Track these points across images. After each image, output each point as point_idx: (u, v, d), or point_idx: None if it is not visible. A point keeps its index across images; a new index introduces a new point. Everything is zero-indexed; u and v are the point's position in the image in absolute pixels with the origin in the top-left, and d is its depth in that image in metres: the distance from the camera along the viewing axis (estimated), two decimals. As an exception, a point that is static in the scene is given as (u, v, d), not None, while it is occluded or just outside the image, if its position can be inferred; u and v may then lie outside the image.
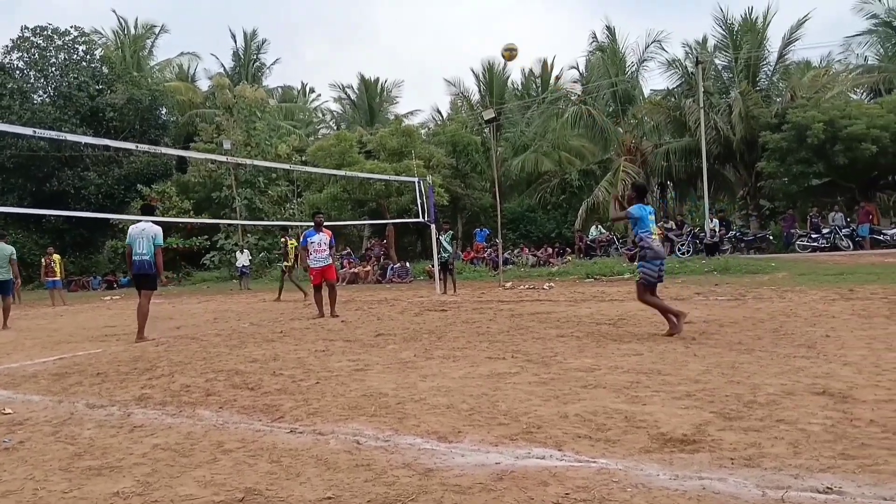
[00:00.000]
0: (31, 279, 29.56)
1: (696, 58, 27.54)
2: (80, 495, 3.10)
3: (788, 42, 28.20)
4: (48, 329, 11.92)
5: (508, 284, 16.97)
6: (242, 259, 24.25)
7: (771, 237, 24.01)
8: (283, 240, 18.17)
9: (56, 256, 20.16)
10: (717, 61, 30.46)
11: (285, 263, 17.13)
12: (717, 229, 22.78)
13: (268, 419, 4.38)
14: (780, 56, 28.93)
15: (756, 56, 28.53)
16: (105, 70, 37.65)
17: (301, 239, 12.12)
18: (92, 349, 8.60)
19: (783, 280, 13.51)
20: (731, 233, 23.47)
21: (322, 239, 11.37)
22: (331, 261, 11.57)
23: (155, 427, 4.31)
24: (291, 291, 16.72)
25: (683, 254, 21.31)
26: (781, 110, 25.62)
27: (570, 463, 3.22)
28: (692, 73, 28.36)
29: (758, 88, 28.31)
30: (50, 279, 19.81)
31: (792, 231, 23.64)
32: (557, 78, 36.73)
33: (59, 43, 36.46)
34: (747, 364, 5.34)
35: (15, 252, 13.16)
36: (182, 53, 44.28)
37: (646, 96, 33.07)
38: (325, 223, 11.88)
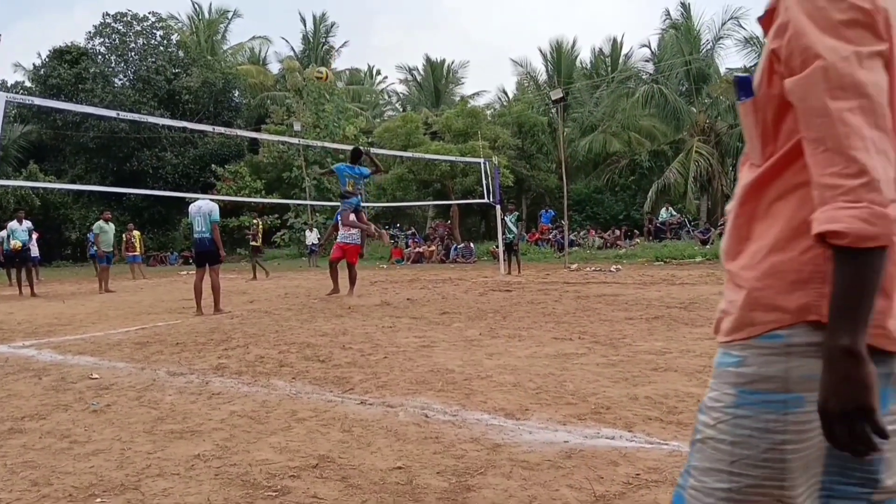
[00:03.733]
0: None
1: (776, 34, 26.28)
2: (164, 456, 3.26)
3: (878, 15, 26.62)
4: (130, 301, 12.51)
5: (574, 266, 16.79)
6: (312, 237, 24.80)
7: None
8: (254, 221, 19.00)
9: (136, 233, 21.08)
10: (798, 37, 29.04)
11: (253, 244, 18.21)
12: (794, 213, 21.86)
13: (339, 390, 4.49)
14: (869, 30, 27.35)
15: (841, 31, 27.05)
16: (181, 54, 38.95)
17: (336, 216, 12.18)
18: (171, 320, 8.99)
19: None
20: (810, 217, 22.49)
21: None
22: (359, 241, 11.47)
23: (232, 395, 4.48)
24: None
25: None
26: (868, 88, 24.30)
27: (640, 444, 3.18)
28: (771, 49, 27.13)
29: (842, 66, 26.87)
30: (130, 254, 20.73)
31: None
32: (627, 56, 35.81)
33: (138, 28, 37.88)
34: (827, 351, 5.13)
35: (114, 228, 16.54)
36: (254, 37, 45.29)
37: (722, 75, 31.87)
38: (391, 203, 11.98)
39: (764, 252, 1.12)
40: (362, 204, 11.28)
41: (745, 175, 1.20)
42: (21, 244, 14.97)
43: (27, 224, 15.51)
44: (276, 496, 2.72)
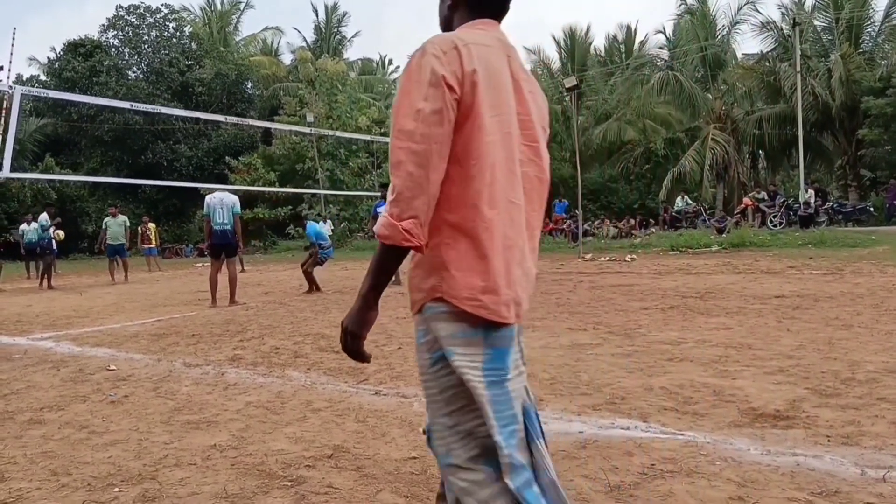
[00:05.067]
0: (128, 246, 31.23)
1: (793, 19, 25.87)
2: (181, 447, 3.29)
3: (897, -1, 26.15)
4: (146, 293, 12.62)
5: (588, 256, 16.71)
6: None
7: (871, 209, 22.58)
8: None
9: (151, 225, 21.19)
10: (815, 22, 28.60)
11: None
12: (812, 200, 21.62)
13: (353, 381, 4.51)
14: (887, 15, 26.87)
15: (859, 16, 26.61)
16: (194, 46, 39.03)
17: (373, 210, 12.48)
18: (186, 312, 9.06)
19: (884, 254, 12.72)
20: (828, 204, 22.22)
21: None
22: None
23: (247, 386, 4.51)
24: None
25: (776, 226, 20.35)
26: (887, 74, 23.94)
27: (655, 435, 3.16)
28: (788, 35, 26.74)
29: (860, 51, 26.46)
30: (146, 247, 20.87)
31: (895, 203, 22.19)
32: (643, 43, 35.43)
33: (151, 21, 38.00)
34: (845, 340, 5.09)
35: (127, 222, 16.83)
36: (266, 28, 45.28)
37: (738, 61, 31.49)
38: None
39: None
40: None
41: None
42: (62, 235, 15.54)
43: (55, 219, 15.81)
44: (292, 486, 2.74)
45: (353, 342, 1.50)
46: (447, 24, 1.70)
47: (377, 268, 1.47)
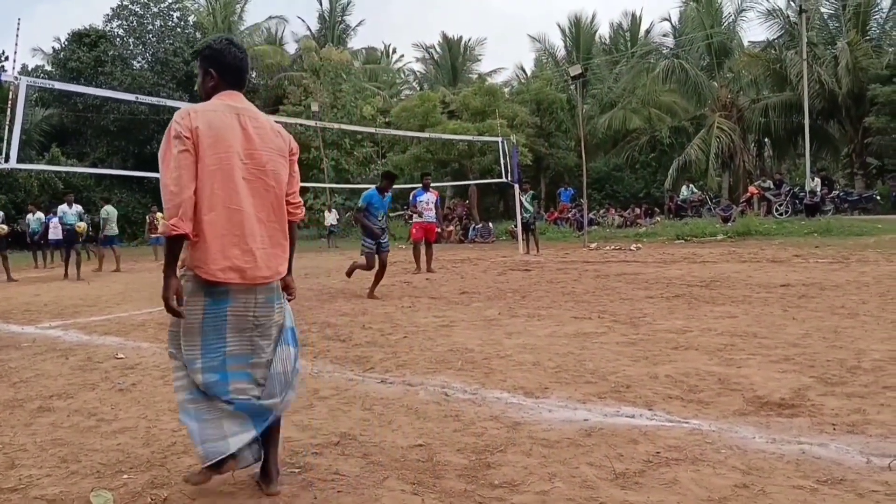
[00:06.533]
0: (135, 236, 31.25)
1: (800, 6, 25.69)
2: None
3: (906, -15, 25.90)
4: (153, 282, 12.62)
5: (593, 245, 16.70)
6: (330, 218, 24.87)
7: (878, 197, 22.46)
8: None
9: (159, 215, 21.19)
10: (822, 9, 28.38)
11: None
12: (818, 189, 21.51)
13: (359, 369, 4.53)
14: (895, 2, 26.63)
15: (867, 3, 26.37)
16: (198, 35, 38.86)
17: (411, 198, 12.63)
18: (193, 302, 9.06)
19: (891, 243, 12.68)
20: (834, 192, 22.11)
21: (430, 198, 12.05)
22: (435, 219, 12.16)
23: (254, 374, 4.52)
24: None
25: (781, 214, 20.27)
26: (894, 61, 23.76)
27: (660, 423, 3.17)
28: (795, 22, 26.52)
29: (868, 38, 26.26)
30: (154, 236, 20.92)
31: (902, 191, 22.09)
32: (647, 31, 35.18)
33: (156, 10, 37.87)
34: (851, 329, 5.08)
35: (106, 212, 16.95)
36: (270, 17, 44.99)
37: (744, 48, 31.28)
38: (408, 185, 12.37)
39: None
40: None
41: None
42: (85, 226, 15.54)
43: (77, 207, 15.40)
44: (300, 473, 2.76)
45: (165, 303, 2.36)
46: (206, 94, 2.60)
47: (165, 254, 2.38)
